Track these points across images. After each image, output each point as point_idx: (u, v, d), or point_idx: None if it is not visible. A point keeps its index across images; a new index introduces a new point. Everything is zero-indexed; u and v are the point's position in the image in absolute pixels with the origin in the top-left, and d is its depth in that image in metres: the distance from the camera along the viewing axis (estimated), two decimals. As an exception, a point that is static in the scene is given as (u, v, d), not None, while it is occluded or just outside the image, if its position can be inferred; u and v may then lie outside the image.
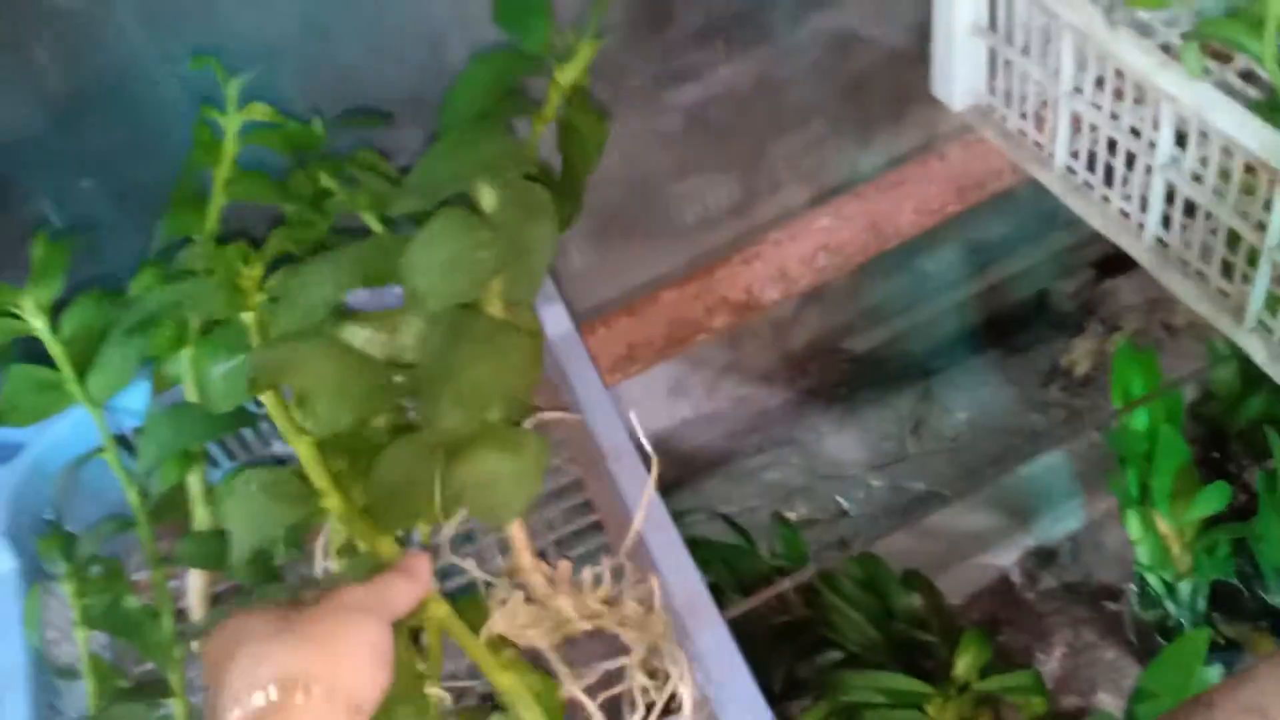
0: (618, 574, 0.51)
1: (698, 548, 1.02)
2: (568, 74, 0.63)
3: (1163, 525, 1.00)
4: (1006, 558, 1.17)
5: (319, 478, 0.49)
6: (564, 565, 0.52)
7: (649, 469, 0.52)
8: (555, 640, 0.48)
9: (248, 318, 0.53)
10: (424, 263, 0.53)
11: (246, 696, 0.39)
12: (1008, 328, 1.29)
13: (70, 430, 0.58)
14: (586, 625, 0.48)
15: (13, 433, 0.58)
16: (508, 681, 0.46)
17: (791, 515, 1.20)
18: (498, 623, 0.48)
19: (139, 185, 0.64)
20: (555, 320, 0.58)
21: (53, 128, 0.61)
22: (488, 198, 0.56)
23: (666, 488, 1.20)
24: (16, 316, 0.58)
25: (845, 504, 1.26)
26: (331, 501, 0.49)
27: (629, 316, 0.68)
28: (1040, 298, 1.29)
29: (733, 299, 0.67)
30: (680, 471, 1.20)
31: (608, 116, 0.68)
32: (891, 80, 0.82)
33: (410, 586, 0.45)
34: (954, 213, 0.69)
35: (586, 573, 0.52)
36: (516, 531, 0.51)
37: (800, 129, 0.85)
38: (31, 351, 0.58)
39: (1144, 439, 0.99)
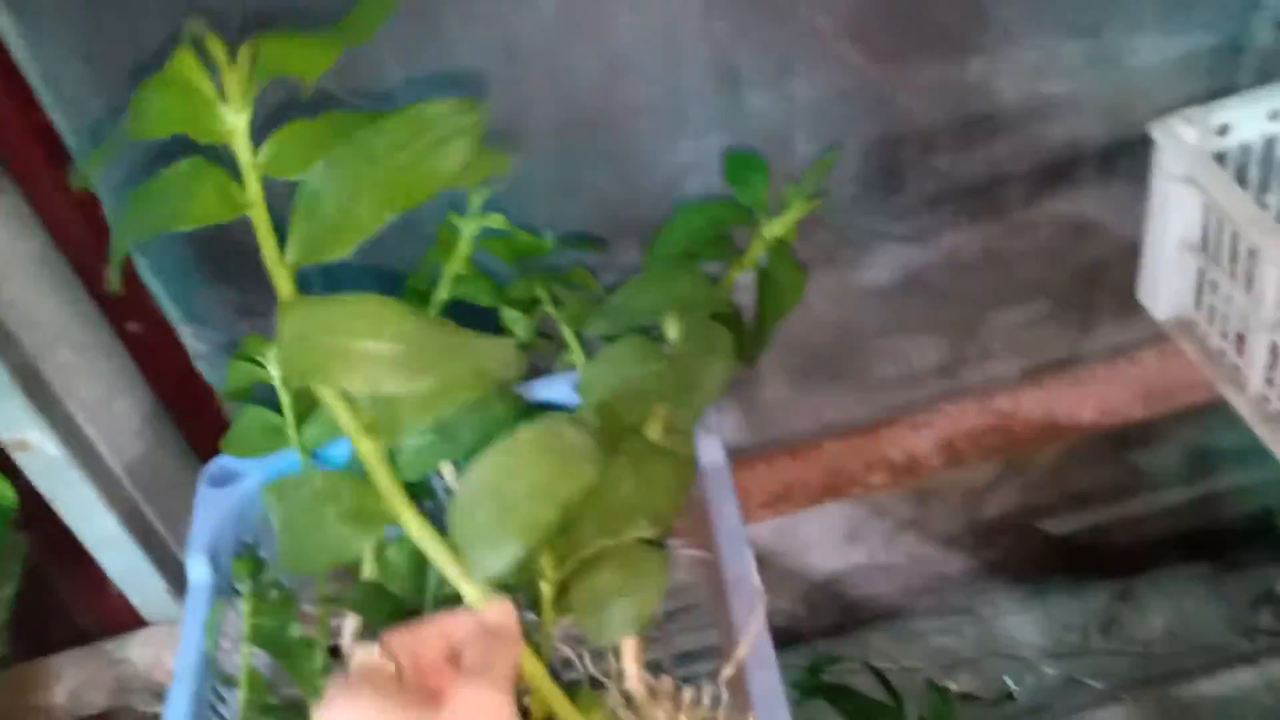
0: (717, 701, 0.54)
1: (842, 696, 1.02)
2: (774, 228, 0.68)
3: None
4: (1173, 778, 1.10)
5: (393, 493, 0.48)
6: (667, 680, 0.55)
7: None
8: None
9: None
10: (599, 380, 0.59)
11: None
12: (1224, 541, 1.23)
13: (282, 471, 0.66)
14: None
15: (235, 462, 0.67)
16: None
17: (952, 685, 1.18)
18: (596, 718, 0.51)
19: (390, 270, 0.71)
20: (710, 451, 0.62)
21: None
22: (672, 329, 0.62)
23: (827, 631, 1.20)
24: (260, 365, 0.67)
25: (1013, 686, 1.21)
26: (413, 526, 0.48)
27: (791, 458, 0.71)
28: (1264, 518, 1.22)
29: (893, 460, 0.69)
30: (845, 618, 1.20)
31: (806, 272, 0.72)
32: (1105, 277, 0.83)
33: (508, 646, 0.44)
34: (1137, 419, 0.69)
35: (688, 692, 0.55)
36: (629, 638, 0.55)
37: (1008, 307, 0.86)
38: (265, 396, 0.67)
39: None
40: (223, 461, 0.67)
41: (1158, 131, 0.66)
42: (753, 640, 0.53)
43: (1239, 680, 1.13)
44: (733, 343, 0.63)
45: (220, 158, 0.48)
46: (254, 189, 0.45)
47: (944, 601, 1.23)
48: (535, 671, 0.50)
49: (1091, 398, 0.67)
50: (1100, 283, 0.86)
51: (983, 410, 0.69)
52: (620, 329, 0.62)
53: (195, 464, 0.74)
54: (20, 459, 0.65)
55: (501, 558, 0.46)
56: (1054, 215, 0.81)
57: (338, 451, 0.66)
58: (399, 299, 0.46)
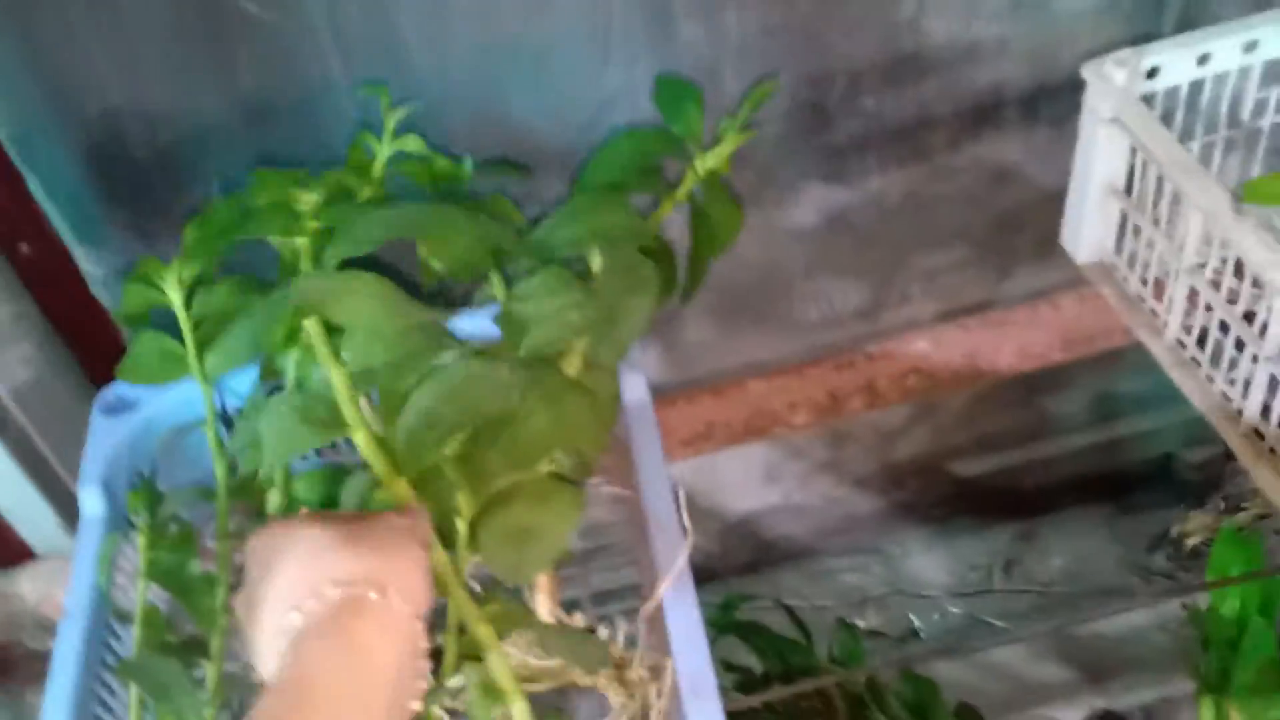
0: (632, 640, 0.53)
1: (754, 633, 1.03)
2: (708, 161, 0.66)
3: (1237, 718, 0.96)
4: (1070, 715, 1.13)
5: (349, 408, 0.53)
6: (578, 618, 0.54)
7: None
8: (554, 686, 0.50)
9: (300, 242, 0.57)
10: (517, 313, 0.57)
11: (308, 596, 0.41)
12: (1125, 485, 1.26)
13: (180, 400, 0.64)
14: (584, 680, 0.50)
15: (129, 391, 0.64)
16: (485, 636, 0.49)
17: (860, 623, 1.20)
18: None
19: None
20: (633, 388, 0.60)
21: (235, 121, 0.66)
22: (596, 262, 0.60)
23: (740, 569, 1.21)
24: (159, 289, 0.63)
25: (917, 623, 1.24)
26: (358, 433, 0.52)
27: (713, 396, 0.70)
28: (1164, 462, 1.25)
29: (816, 400, 0.68)
30: (758, 557, 1.21)
31: (742, 208, 0.71)
32: (1026, 223, 0.83)
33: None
34: (1056, 362, 0.69)
35: (603, 631, 0.54)
36: (541, 575, 0.53)
37: (930, 251, 0.86)
38: (163, 322, 0.64)
39: (1232, 625, 0.95)
40: (118, 389, 0.64)
41: (1088, 72, 0.66)
42: (674, 579, 0.52)
43: (1133, 620, 1.16)
44: (660, 278, 0.61)
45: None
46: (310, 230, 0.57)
47: (854, 541, 1.25)
48: (449, 578, 0.50)
49: (1010, 341, 0.68)
50: (1020, 228, 0.86)
51: (904, 352, 0.69)
52: (543, 262, 0.60)
53: (90, 392, 0.70)
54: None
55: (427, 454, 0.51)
56: (977, 160, 0.81)
57: (238, 382, 0.64)
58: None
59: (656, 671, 0.52)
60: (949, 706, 1.01)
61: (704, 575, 1.20)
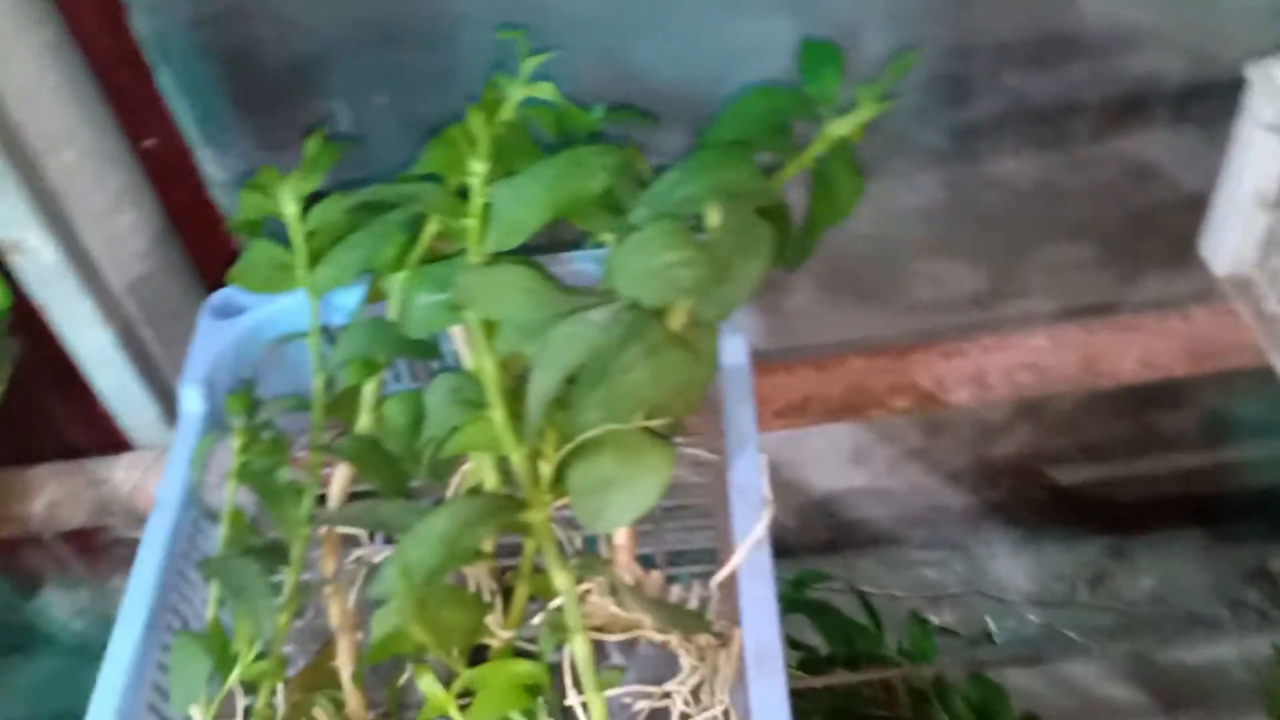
0: (705, 603, 0.52)
1: (823, 613, 1.01)
2: (839, 127, 0.64)
3: (1317, 769, 0.92)
4: (1139, 741, 1.10)
5: (492, 390, 0.54)
6: (656, 575, 0.53)
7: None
8: (623, 636, 0.50)
9: (469, 223, 0.58)
10: (627, 265, 0.56)
11: None
12: (1226, 513, 1.21)
13: (286, 310, 0.64)
14: (655, 635, 0.50)
15: (237, 296, 0.64)
16: (562, 580, 0.49)
17: (933, 619, 1.17)
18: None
19: (424, 117, 0.68)
20: (734, 352, 0.59)
21: (370, 41, 0.66)
22: (712, 218, 0.58)
23: (817, 548, 1.20)
24: (274, 198, 0.64)
25: (993, 627, 1.21)
26: (496, 412, 0.53)
27: (814, 370, 0.68)
28: (1270, 494, 1.20)
29: (920, 387, 0.67)
30: (836, 538, 1.19)
31: (865, 178, 0.69)
32: (1163, 226, 0.79)
33: None
34: (1178, 376, 0.66)
35: (676, 590, 0.54)
36: (624, 533, 0.53)
37: (1057, 244, 0.83)
38: (275, 232, 0.64)
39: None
40: (227, 293, 0.65)
41: (1253, 73, 0.62)
42: (751, 548, 0.51)
43: (1217, 652, 1.12)
44: (774, 242, 0.60)
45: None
46: (478, 210, 0.58)
47: (938, 534, 1.22)
48: (534, 519, 0.50)
49: (1134, 348, 0.65)
50: (1154, 231, 0.82)
51: (1019, 346, 0.66)
52: (659, 215, 0.59)
53: (201, 293, 0.71)
54: (16, 263, 0.62)
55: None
56: (1118, 154, 0.78)
57: (346, 299, 0.64)
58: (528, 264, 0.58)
59: (724, 639, 0.52)
60: (1015, 714, 0.98)
61: (779, 550, 1.18)
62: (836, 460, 1.09)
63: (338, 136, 0.69)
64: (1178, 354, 0.64)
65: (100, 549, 0.98)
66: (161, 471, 0.67)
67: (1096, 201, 0.80)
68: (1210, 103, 0.73)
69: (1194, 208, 0.76)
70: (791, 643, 1.00)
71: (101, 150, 0.65)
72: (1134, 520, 1.21)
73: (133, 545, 0.65)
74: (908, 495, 1.15)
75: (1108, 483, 1.15)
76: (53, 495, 0.69)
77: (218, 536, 0.56)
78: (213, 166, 0.72)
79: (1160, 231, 0.81)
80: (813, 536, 1.21)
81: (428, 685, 0.47)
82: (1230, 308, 0.65)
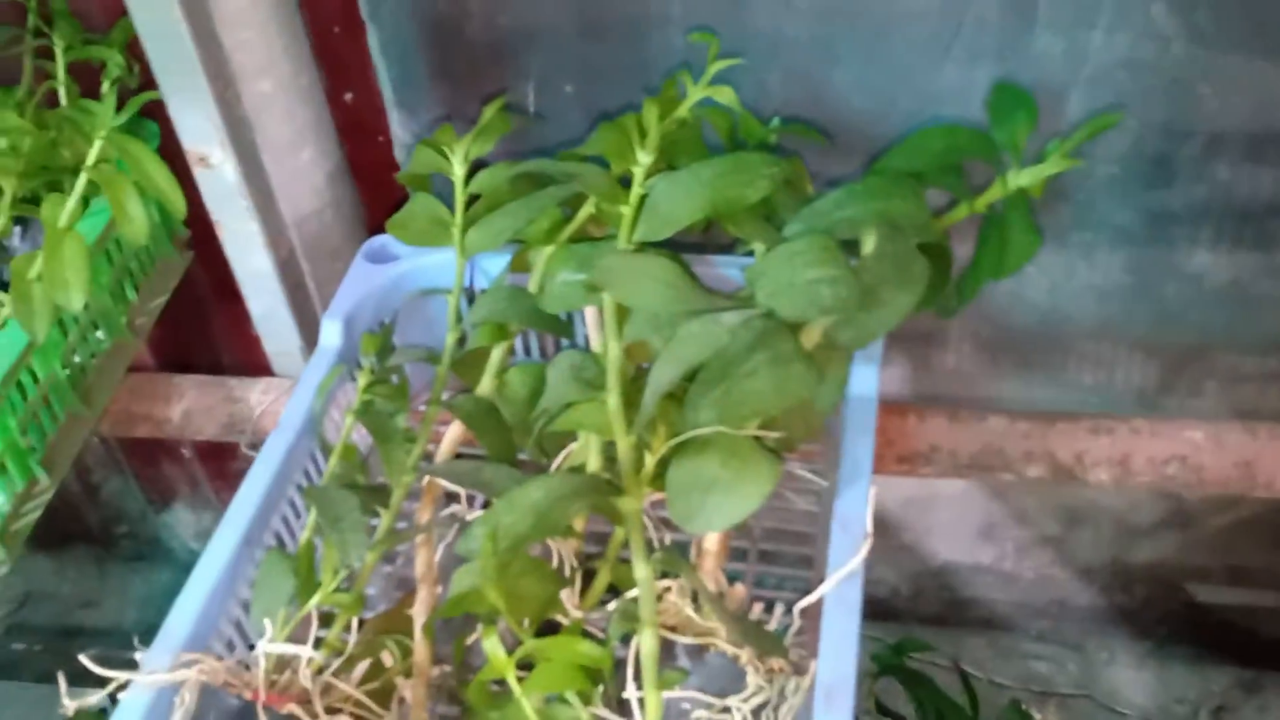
0: (785, 628, 0.51)
1: (919, 683, 0.97)
2: (1023, 177, 0.62)
3: None
4: None
5: (613, 373, 0.54)
6: (740, 589, 0.52)
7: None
8: (691, 643, 0.49)
9: (625, 210, 0.58)
10: (770, 274, 0.55)
11: None
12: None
13: (435, 265, 0.66)
14: (727, 647, 0.48)
15: (395, 244, 0.66)
16: (643, 572, 0.48)
17: (1036, 716, 1.12)
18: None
19: (606, 111, 0.70)
20: (864, 382, 0.57)
21: (570, 28, 0.68)
22: (868, 244, 0.57)
23: (926, 619, 1.15)
24: (446, 157, 0.66)
25: (1108, 748, 1.15)
26: (612, 396, 0.53)
27: (947, 419, 0.66)
28: None
29: (1058, 458, 0.63)
30: (948, 612, 1.15)
31: (1041, 237, 0.66)
32: None
33: None
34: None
35: (757, 608, 0.52)
36: (714, 538, 0.52)
37: (1241, 351, 0.78)
38: (440, 190, 0.66)
39: None
40: (383, 239, 0.67)
41: None
42: (843, 581, 0.49)
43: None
44: (930, 280, 0.58)
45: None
46: (635, 198, 0.59)
47: (1058, 629, 1.16)
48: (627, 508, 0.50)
49: (1300, 463, 0.60)
50: None
51: (1174, 437, 0.62)
52: (814, 232, 0.57)
53: (362, 240, 0.73)
54: (199, 176, 0.65)
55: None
56: None
57: (493, 264, 0.65)
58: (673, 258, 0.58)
59: (799, 668, 0.50)
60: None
61: (887, 613, 1.16)
62: (964, 532, 1.05)
63: (516, 109, 0.71)
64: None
65: (231, 475, 1.02)
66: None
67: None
68: None
69: None
70: (879, 707, 0.96)
71: (297, 86, 0.68)
72: (1270, 655, 1.13)
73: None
74: (1033, 583, 1.10)
75: (1249, 610, 1.08)
76: (190, 404, 0.72)
77: (326, 467, 0.58)
78: (401, 127, 0.74)
79: None
80: (925, 606, 1.16)
81: (491, 646, 0.47)
82: None
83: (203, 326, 0.84)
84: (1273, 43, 0.61)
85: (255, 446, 0.69)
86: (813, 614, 0.51)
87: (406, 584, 0.61)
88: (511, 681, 0.47)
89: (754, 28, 0.65)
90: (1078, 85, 0.65)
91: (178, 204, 0.63)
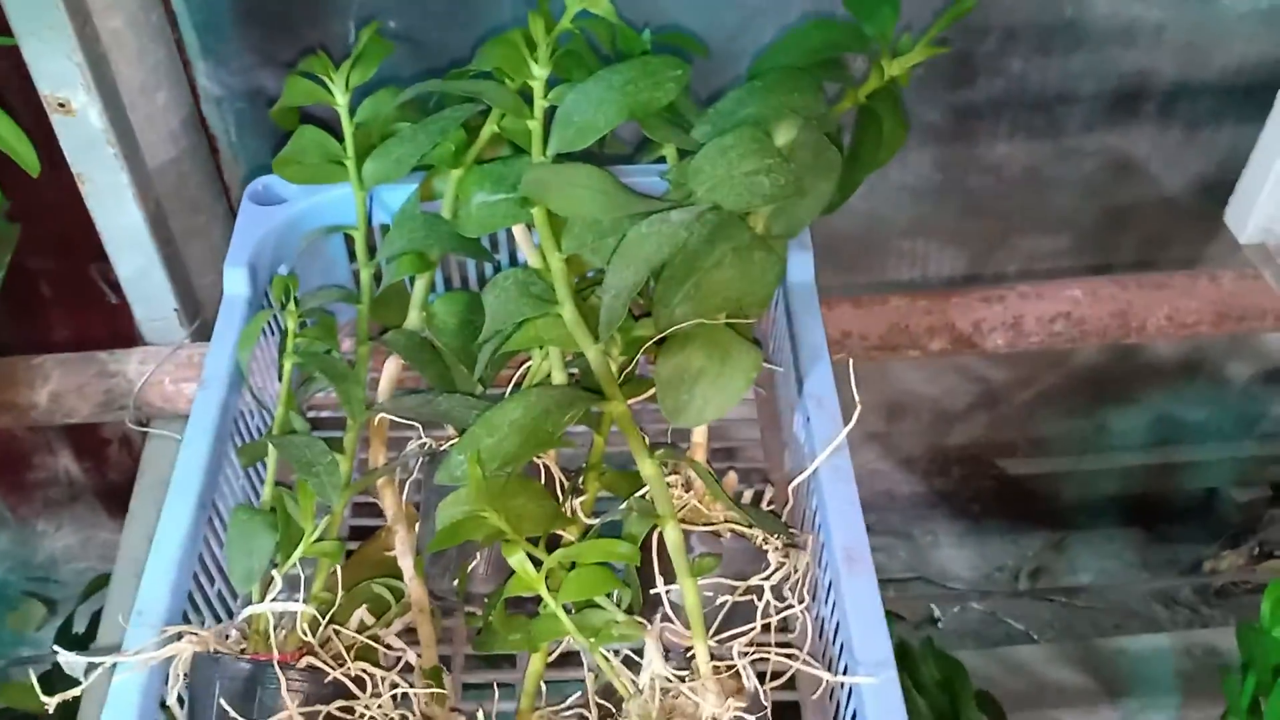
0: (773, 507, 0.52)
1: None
2: (895, 66, 0.65)
3: (1265, 747, 0.95)
4: (1086, 722, 1.12)
5: (562, 286, 0.52)
6: (732, 477, 0.53)
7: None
8: (705, 531, 0.49)
9: (532, 124, 0.56)
10: (708, 171, 0.55)
11: None
12: (1163, 512, 1.25)
13: (332, 202, 0.62)
14: (743, 529, 0.49)
15: (278, 185, 0.62)
16: (650, 469, 0.48)
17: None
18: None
19: (437, 44, 0.68)
20: (802, 268, 0.59)
21: None
22: (784, 135, 0.58)
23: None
24: (325, 87, 0.62)
25: (938, 613, 1.23)
26: (565, 308, 0.51)
27: (853, 307, 0.68)
28: (1208, 496, 1.25)
29: (958, 328, 0.67)
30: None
31: (908, 125, 0.69)
32: (1129, 223, 0.81)
33: None
34: (1204, 334, 0.68)
35: (747, 494, 0.53)
36: (701, 431, 0.52)
37: (1048, 232, 0.85)
38: (326, 125, 0.62)
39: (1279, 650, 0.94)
40: (266, 180, 0.62)
41: (1301, 43, 0.65)
42: (833, 454, 0.50)
43: (1159, 641, 1.16)
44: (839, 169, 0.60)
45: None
46: (540, 111, 0.57)
47: (883, 520, 1.23)
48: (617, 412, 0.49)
49: (1164, 305, 0.66)
50: (1129, 228, 0.85)
51: (1056, 296, 0.68)
52: (732, 128, 0.58)
53: (219, 190, 0.68)
54: (58, 124, 0.58)
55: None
56: (1105, 147, 0.80)
57: (393, 195, 0.62)
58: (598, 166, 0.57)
59: (799, 542, 0.51)
60: (972, 689, 1.00)
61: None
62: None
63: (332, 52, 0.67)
64: (1204, 313, 0.66)
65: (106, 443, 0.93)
66: (177, 365, 0.64)
67: (1076, 193, 0.81)
68: (1193, 103, 0.76)
69: (1164, 208, 0.79)
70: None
71: (149, 23, 0.61)
72: (1074, 516, 1.24)
73: (138, 440, 0.61)
74: (861, 479, 1.16)
75: (1052, 477, 1.18)
76: (58, 385, 0.65)
77: (261, 418, 0.54)
78: (207, 79, 0.68)
79: (1129, 228, 0.83)
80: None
81: (519, 563, 0.45)
82: (1256, 274, 0.67)
83: (46, 301, 0.75)
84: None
85: (142, 423, 0.64)
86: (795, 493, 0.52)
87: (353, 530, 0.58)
88: (544, 593, 0.45)
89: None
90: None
91: (29, 159, 0.56)
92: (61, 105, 0.56)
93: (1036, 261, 0.87)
